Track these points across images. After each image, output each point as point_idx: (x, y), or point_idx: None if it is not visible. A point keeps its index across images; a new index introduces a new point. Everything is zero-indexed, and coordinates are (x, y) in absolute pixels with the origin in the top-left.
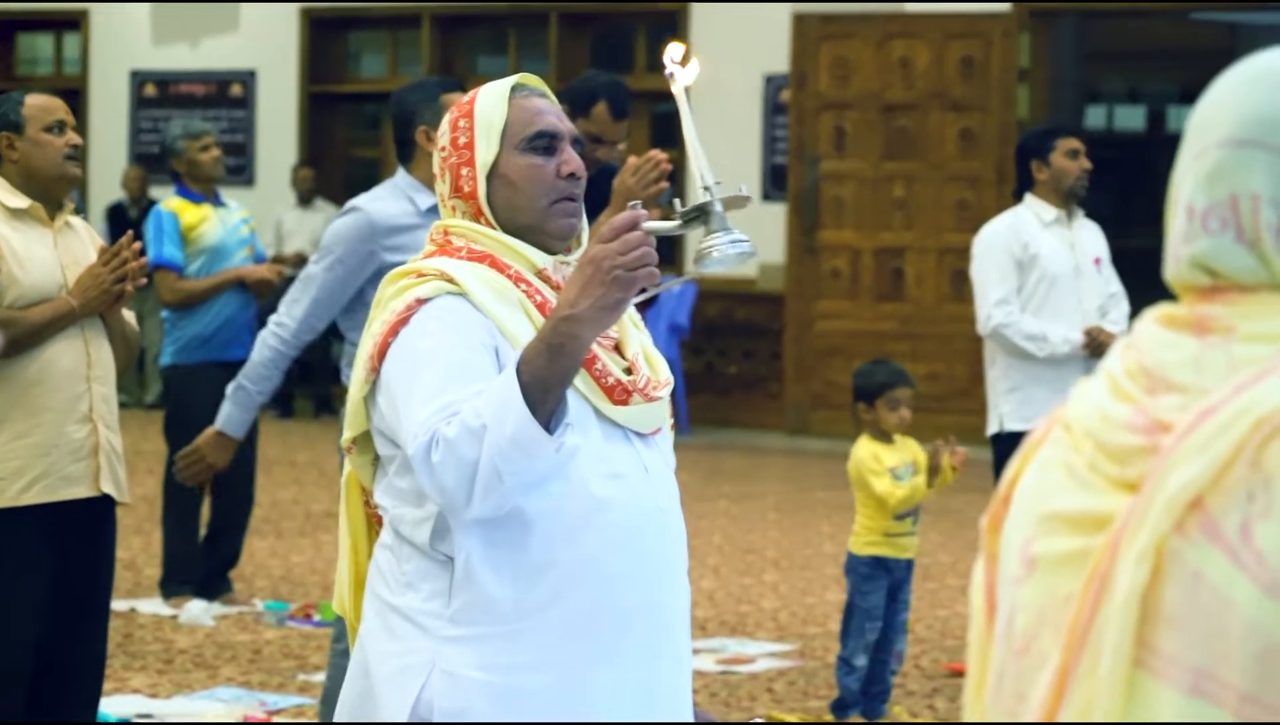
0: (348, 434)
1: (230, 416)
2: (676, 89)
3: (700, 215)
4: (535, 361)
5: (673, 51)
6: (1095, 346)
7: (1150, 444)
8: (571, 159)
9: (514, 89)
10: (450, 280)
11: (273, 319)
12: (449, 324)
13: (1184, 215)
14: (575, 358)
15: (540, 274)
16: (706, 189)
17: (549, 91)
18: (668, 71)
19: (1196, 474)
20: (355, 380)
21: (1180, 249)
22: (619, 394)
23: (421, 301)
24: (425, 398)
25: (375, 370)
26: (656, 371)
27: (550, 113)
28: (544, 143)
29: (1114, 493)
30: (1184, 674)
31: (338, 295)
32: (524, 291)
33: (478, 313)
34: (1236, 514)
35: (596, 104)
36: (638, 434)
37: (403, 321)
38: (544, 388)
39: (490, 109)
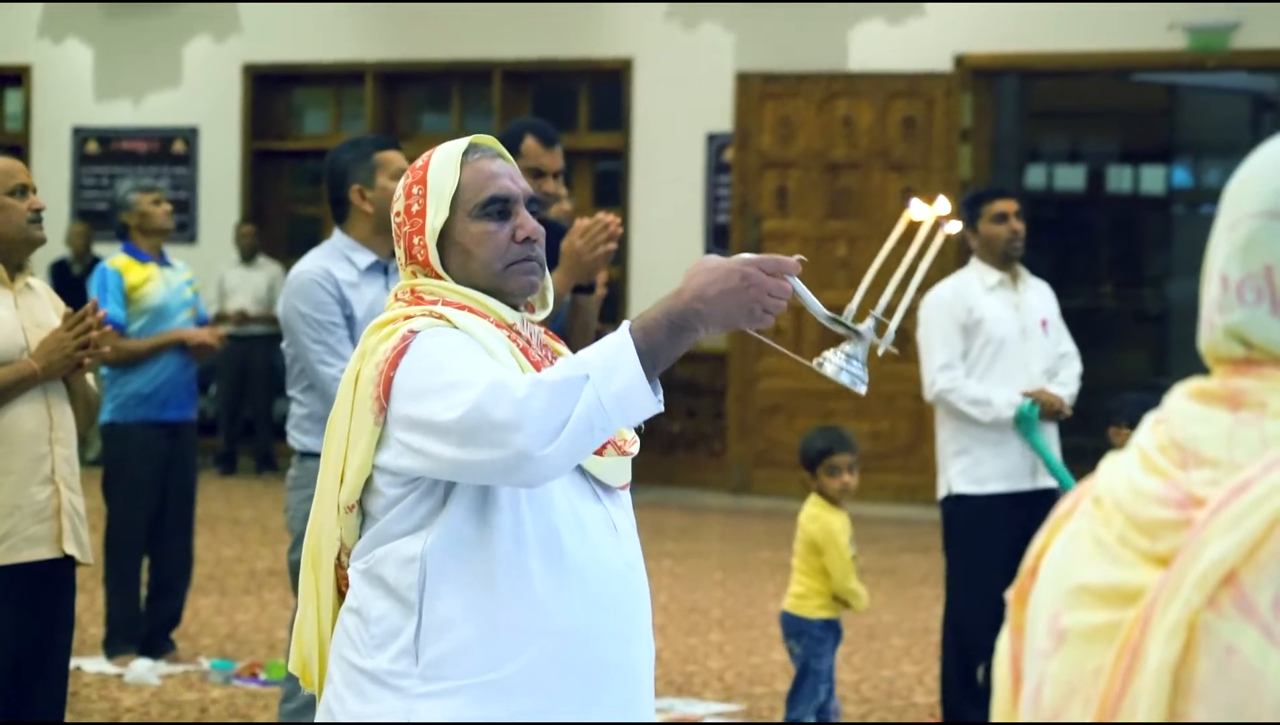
0: (356, 482)
1: None
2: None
3: (849, 334)
4: (655, 333)
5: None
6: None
7: (1182, 518)
8: (526, 222)
9: (467, 152)
10: (439, 316)
11: (330, 374)
12: (455, 339)
13: (1218, 285)
14: (689, 342)
15: (512, 328)
16: (877, 319)
17: (504, 152)
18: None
19: (1230, 549)
20: (362, 427)
21: (1215, 318)
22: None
23: (415, 332)
24: (466, 378)
25: (383, 409)
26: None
27: (504, 175)
28: (497, 208)
29: (1144, 566)
30: None
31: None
32: (507, 335)
33: (475, 341)
34: (1270, 589)
35: (524, 140)
36: (605, 490)
37: (401, 353)
38: (654, 359)
39: (442, 174)
